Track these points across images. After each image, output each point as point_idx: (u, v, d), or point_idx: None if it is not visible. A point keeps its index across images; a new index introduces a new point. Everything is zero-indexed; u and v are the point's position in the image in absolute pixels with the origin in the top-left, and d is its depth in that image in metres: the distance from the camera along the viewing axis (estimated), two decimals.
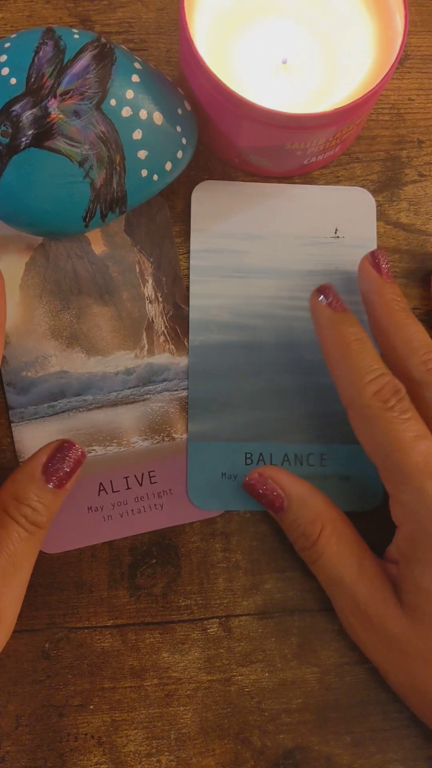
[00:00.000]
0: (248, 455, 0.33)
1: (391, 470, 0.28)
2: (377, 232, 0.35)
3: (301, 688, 0.32)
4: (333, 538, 0.30)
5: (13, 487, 0.29)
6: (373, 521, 0.33)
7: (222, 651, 0.32)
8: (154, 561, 0.32)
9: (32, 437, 0.33)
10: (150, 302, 0.34)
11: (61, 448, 0.30)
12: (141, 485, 0.33)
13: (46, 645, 0.32)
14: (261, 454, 0.33)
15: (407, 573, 0.28)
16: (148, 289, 0.34)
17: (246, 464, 0.33)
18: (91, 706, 0.31)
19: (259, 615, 0.32)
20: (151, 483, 0.33)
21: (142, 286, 0.34)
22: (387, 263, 0.32)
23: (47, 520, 0.29)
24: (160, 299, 0.34)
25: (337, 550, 0.30)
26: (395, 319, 0.31)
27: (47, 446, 0.30)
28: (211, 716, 0.31)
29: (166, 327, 0.34)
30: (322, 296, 0.31)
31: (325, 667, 0.32)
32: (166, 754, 0.31)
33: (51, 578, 0.32)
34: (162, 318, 0.34)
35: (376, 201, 0.36)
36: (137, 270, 0.34)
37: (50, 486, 0.29)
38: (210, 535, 0.33)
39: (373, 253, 0.32)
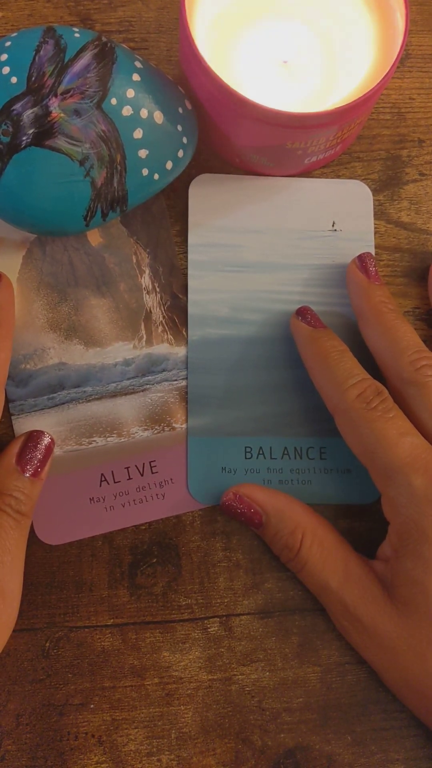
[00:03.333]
0: (248, 449, 0.33)
1: (379, 468, 0.29)
2: (378, 231, 0.35)
3: (302, 687, 0.32)
4: (314, 545, 0.30)
5: None
6: (373, 517, 0.33)
7: (223, 650, 0.32)
8: (154, 560, 0.32)
9: (32, 429, 0.33)
10: (147, 293, 0.34)
11: (31, 437, 0.31)
12: (142, 475, 0.33)
13: (46, 644, 0.32)
14: (261, 448, 0.33)
15: (399, 567, 0.29)
16: (145, 280, 0.34)
17: (246, 458, 0.33)
18: (92, 705, 0.31)
19: (260, 614, 0.32)
20: (152, 473, 0.33)
21: (139, 276, 0.34)
22: (374, 266, 0.33)
23: (30, 509, 0.30)
24: (158, 289, 0.34)
25: (320, 556, 0.30)
26: (384, 320, 0.31)
27: (17, 438, 0.32)
28: (211, 715, 0.31)
29: (164, 317, 0.34)
30: (300, 317, 0.32)
31: (326, 667, 0.32)
32: (167, 753, 0.31)
33: (51, 577, 0.32)
34: (160, 308, 0.34)
35: (377, 200, 0.36)
36: (134, 261, 0.34)
37: (27, 476, 0.30)
38: (211, 534, 0.33)
39: (360, 257, 0.33)
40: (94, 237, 0.34)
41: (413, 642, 0.28)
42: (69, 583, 0.32)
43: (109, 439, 0.33)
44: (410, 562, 0.28)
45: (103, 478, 0.33)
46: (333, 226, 0.35)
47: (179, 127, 0.31)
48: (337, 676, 0.32)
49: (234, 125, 0.31)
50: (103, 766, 0.31)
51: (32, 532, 0.32)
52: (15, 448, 0.31)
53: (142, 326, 0.34)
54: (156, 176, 0.31)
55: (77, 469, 0.33)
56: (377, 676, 0.31)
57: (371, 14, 0.31)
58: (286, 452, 0.33)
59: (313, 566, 0.30)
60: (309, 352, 0.32)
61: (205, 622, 0.32)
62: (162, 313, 0.34)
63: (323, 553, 0.30)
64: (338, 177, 0.36)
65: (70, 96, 0.28)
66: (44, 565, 0.32)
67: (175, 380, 0.34)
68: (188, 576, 0.32)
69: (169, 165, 0.31)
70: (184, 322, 0.34)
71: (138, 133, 0.30)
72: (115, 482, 0.33)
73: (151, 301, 0.34)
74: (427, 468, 0.28)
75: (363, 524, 0.33)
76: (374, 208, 0.36)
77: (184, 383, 0.34)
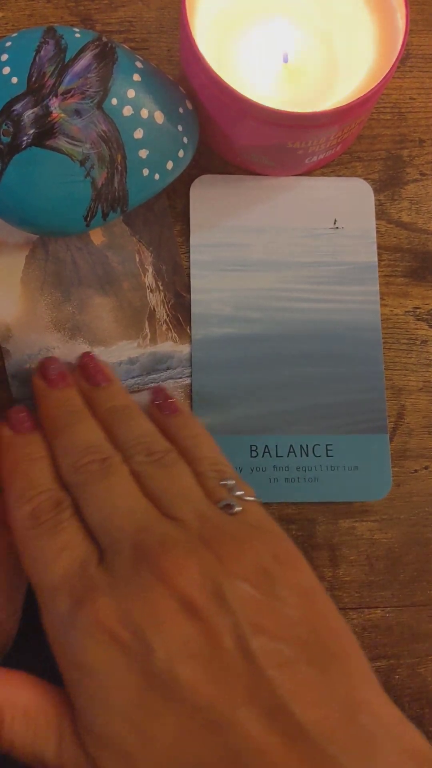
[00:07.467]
0: (254, 448, 0.33)
1: (37, 593, 0.24)
2: (378, 231, 0.35)
3: None
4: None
5: None
6: (375, 518, 0.33)
7: None
8: None
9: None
10: (151, 291, 0.34)
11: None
12: None
13: None
14: (266, 446, 0.33)
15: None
16: (149, 278, 0.34)
17: (252, 457, 0.33)
18: None
19: None
20: None
21: (142, 275, 0.34)
22: (56, 371, 0.30)
23: None
24: (161, 288, 0.34)
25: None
26: (55, 425, 0.28)
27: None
28: None
29: (168, 315, 0.34)
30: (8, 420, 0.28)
31: None
32: None
33: None
34: (164, 306, 0.34)
35: (378, 200, 0.36)
36: (137, 259, 0.34)
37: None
38: None
39: (40, 363, 0.31)
40: (97, 236, 0.34)
41: None
42: None
43: None
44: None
45: None
46: (335, 223, 0.35)
47: (180, 127, 0.31)
48: None
49: (235, 125, 0.31)
50: None
51: None
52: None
53: (146, 324, 0.34)
54: (156, 176, 0.31)
55: None
56: (376, 678, 0.31)
57: (372, 14, 0.31)
58: (292, 450, 0.33)
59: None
60: (1, 463, 0.27)
61: None
62: (166, 312, 0.34)
63: None
64: (339, 177, 0.36)
65: (71, 96, 0.28)
66: None
67: (180, 378, 0.34)
68: None
69: (169, 165, 0.31)
70: (188, 320, 0.34)
71: (138, 133, 0.30)
72: None
73: (155, 299, 0.34)
74: (72, 591, 0.23)
75: (365, 525, 0.33)
76: (375, 208, 0.36)
77: (188, 381, 0.34)
